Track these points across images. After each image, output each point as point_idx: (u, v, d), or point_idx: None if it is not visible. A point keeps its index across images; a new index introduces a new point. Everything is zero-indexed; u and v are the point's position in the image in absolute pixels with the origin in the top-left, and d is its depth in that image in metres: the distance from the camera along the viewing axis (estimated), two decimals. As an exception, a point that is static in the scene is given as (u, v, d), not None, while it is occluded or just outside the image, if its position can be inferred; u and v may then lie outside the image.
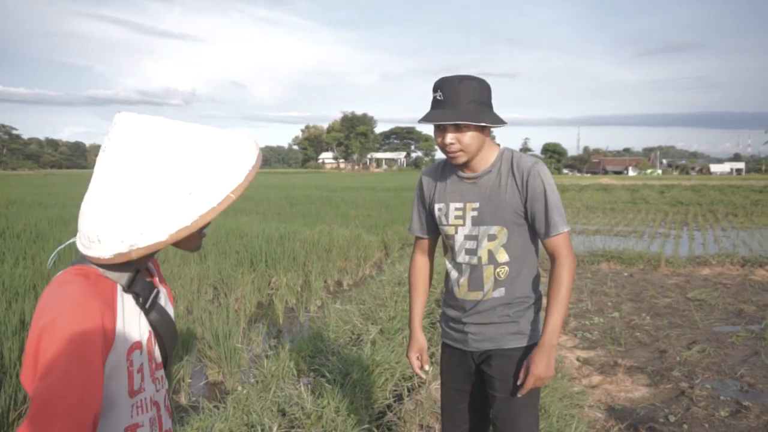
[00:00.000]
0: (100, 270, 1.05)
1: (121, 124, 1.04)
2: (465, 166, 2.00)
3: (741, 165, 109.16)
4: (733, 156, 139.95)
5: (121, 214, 0.99)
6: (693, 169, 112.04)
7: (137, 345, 1.07)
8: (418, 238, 2.24)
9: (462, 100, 1.85)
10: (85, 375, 0.96)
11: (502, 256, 1.98)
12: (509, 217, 1.95)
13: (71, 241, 1.13)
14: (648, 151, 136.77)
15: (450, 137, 1.89)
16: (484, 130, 1.93)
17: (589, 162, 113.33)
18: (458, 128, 1.89)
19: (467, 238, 2.01)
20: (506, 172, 1.97)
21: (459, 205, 2.03)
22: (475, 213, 1.99)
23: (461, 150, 1.91)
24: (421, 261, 2.26)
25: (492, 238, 1.97)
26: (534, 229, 1.98)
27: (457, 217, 2.03)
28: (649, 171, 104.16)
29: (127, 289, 1.08)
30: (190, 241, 1.10)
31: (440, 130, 1.92)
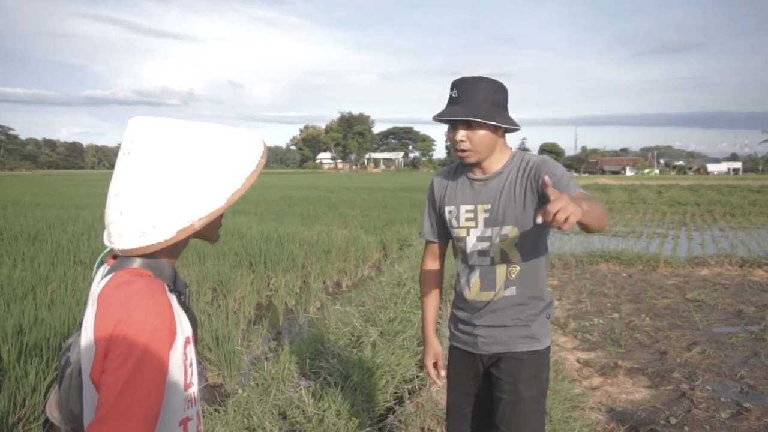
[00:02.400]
0: (151, 272, 1.12)
1: (140, 126, 1.11)
2: (476, 167, 2.00)
3: (738, 165, 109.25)
4: (730, 156, 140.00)
5: (173, 197, 1.07)
6: (690, 168, 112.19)
7: (188, 340, 1.13)
8: (428, 243, 2.23)
9: (476, 99, 1.86)
10: (158, 367, 1.01)
11: (514, 256, 1.97)
12: (520, 216, 1.94)
13: (106, 251, 1.19)
14: (645, 151, 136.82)
15: (461, 134, 1.90)
16: (496, 132, 1.92)
17: (586, 162, 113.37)
18: (470, 126, 1.89)
19: (480, 239, 2.00)
20: (515, 171, 1.96)
21: (470, 207, 2.02)
22: (487, 215, 1.98)
23: (471, 149, 1.91)
24: (432, 266, 2.24)
25: (504, 237, 1.96)
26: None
27: (468, 219, 2.02)
28: (646, 171, 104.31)
29: (173, 287, 1.14)
30: (212, 229, 1.18)
31: (452, 127, 1.93)
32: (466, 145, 1.90)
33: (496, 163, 1.98)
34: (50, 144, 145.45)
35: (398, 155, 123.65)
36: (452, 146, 1.97)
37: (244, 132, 1.17)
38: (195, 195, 1.08)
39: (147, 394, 0.99)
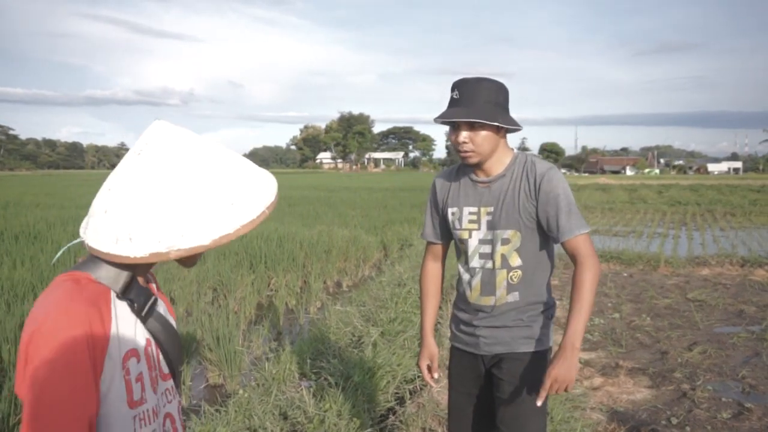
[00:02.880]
0: (93, 275, 1.04)
1: (161, 131, 1.06)
2: (479, 169, 2.00)
3: (738, 164, 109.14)
4: (730, 155, 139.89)
5: (161, 215, 0.99)
6: (690, 168, 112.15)
7: (133, 353, 1.04)
8: (430, 244, 2.23)
9: (477, 100, 1.86)
10: (73, 381, 0.93)
11: (515, 260, 1.98)
12: (522, 221, 1.95)
13: (77, 241, 1.12)
14: (645, 151, 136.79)
15: (463, 136, 1.90)
16: (498, 132, 1.93)
17: (586, 161, 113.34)
18: (472, 127, 1.89)
19: (482, 242, 2.00)
20: (519, 176, 1.96)
21: (473, 209, 2.02)
22: (490, 217, 1.98)
23: (473, 150, 1.91)
24: (433, 267, 2.24)
25: (506, 242, 1.96)
26: (549, 233, 1.96)
27: (471, 222, 2.02)
28: (646, 170, 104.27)
29: (121, 295, 1.06)
30: (192, 258, 1.11)
31: (454, 128, 1.93)
32: (468, 147, 1.90)
33: (498, 164, 1.98)
34: (50, 144, 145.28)
35: (398, 155, 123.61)
36: (454, 147, 1.97)
37: (263, 175, 1.11)
38: (183, 224, 1.00)
39: (62, 410, 0.92)
